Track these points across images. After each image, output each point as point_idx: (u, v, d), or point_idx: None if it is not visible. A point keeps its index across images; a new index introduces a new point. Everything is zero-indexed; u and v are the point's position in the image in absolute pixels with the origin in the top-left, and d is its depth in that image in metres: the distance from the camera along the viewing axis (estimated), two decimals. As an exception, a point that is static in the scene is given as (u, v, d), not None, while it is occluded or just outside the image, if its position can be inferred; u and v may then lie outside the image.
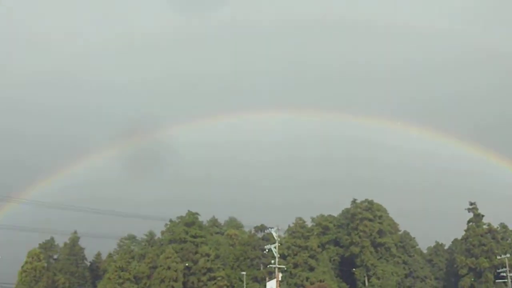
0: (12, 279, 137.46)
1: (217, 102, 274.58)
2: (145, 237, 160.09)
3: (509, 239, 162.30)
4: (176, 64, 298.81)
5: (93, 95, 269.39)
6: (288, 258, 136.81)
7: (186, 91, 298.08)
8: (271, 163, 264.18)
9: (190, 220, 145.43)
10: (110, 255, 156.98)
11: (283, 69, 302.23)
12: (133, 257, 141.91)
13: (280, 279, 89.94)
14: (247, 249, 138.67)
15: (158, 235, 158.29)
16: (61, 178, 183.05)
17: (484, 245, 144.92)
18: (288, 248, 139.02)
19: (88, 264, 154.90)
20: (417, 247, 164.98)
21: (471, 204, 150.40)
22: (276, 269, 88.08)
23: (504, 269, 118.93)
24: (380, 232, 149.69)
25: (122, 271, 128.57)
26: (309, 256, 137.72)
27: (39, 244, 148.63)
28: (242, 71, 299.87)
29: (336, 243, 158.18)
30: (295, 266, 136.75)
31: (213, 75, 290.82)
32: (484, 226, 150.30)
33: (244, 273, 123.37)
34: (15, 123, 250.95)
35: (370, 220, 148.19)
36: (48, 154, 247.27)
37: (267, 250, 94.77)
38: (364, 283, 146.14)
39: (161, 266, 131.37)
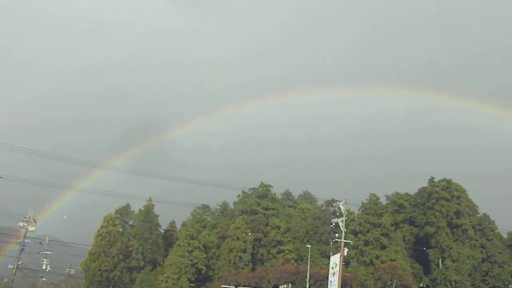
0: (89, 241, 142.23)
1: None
2: (218, 207, 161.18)
3: None
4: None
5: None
6: (360, 235, 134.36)
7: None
8: (351, 139, 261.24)
9: (263, 192, 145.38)
10: (184, 224, 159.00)
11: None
12: (204, 226, 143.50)
13: (345, 254, 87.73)
14: (318, 223, 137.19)
15: (231, 206, 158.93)
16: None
17: None
18: (360, 224, 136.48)
19: (162, 231, 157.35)
20: (496, 231, 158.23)
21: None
22: (342, 243, 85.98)
23: None
24: (457, 213, 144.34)
25: (192, 239, 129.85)
26: (381, 234, 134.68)
27: (116, 209, 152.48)
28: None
29: (411, 222, 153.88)
30: (366, 243, 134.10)
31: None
32: None
33: (309, 246, 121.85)
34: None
35: (447, 200, 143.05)
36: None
37: (333, 224, 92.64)
38: (438, 265, 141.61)
39: (230, 236, 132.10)
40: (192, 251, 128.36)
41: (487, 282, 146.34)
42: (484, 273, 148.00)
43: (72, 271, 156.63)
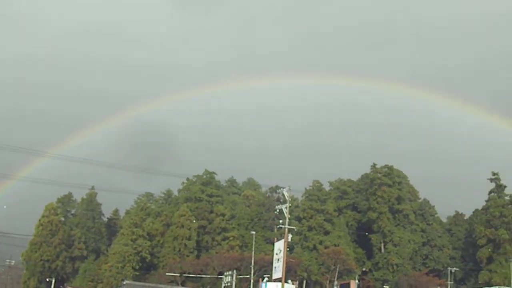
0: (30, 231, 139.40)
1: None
2: (162, 195, 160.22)
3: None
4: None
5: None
6: (303, 221, 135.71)
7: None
8: (293, 130, 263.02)
9: (207, 179, 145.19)
10: (127, 212, 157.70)
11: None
12: (148, 214, 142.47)
13: (289, 240, 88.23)
14: (262, 210, 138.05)
15: (175, 193, 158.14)
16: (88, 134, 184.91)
17: (505, 216, 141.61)
18: (304, 210, 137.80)
19: (106, 220, 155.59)
20: (436, 215, 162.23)
21: (494, 174, 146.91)
22: (286, 229, 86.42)
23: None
24: (399, 199, 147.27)
25: (135, 227, 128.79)
26: (324, 220, 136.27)
27: (57, 198, 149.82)
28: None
29: (354, 208, 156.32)
30: (310, 229, 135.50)
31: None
32: (506, 197, 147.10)
33: (253, 232, 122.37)
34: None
35: (389, 186, 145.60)
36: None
37: (277, 211, 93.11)
38: (380, 249, 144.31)
39: (175, 224, 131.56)
40: (136, 239, 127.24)
41: (427, 265, 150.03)
42: (424, 257, 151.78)
43: (13, 262, 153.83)
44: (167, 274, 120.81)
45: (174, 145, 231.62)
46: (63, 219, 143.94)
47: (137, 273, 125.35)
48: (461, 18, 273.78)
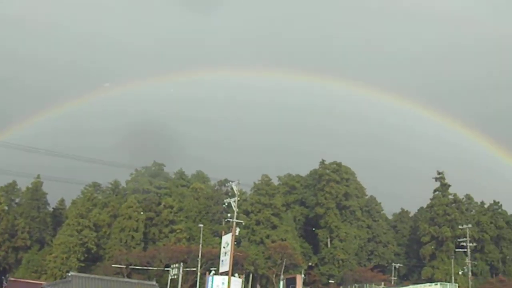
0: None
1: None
2: (110, 185, 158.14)
3: (473, 210, 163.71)
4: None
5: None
6: (251, 215, 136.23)
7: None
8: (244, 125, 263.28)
9: (155, 171, 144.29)
10: (73, 202, 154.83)
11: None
12: (95, 205, 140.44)
13: (237, 233, 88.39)
14: (210, 203, 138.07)
15: (123, 184, 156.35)
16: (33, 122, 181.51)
17: (448, 214, 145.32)
18: (252, 204, 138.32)
19: (51, 210, 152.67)
20: (382, 212, 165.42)
21: (439, 173, 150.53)
22: (234, 223, 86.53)
23: (464, 238, 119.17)
24: (346, 195, 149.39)
25: (82, 218, 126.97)
26: (272, 214, 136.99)
27: (1, 187, 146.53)
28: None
29: (302, 203, 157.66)
30: (258, 223, 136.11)
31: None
32: (450, 196, 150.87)
33: (201, 225, 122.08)
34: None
35: (337, 182, 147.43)
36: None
37: (226, 204, 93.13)
38: (326, 245, 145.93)
39: (122, 215, 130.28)
40: (82, 230, 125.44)
41: (372, 261, 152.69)
42: (369, 252, 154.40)
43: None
44: (113, 265, 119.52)
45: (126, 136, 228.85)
46: (6, 208, 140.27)
47: (82, 265, 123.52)
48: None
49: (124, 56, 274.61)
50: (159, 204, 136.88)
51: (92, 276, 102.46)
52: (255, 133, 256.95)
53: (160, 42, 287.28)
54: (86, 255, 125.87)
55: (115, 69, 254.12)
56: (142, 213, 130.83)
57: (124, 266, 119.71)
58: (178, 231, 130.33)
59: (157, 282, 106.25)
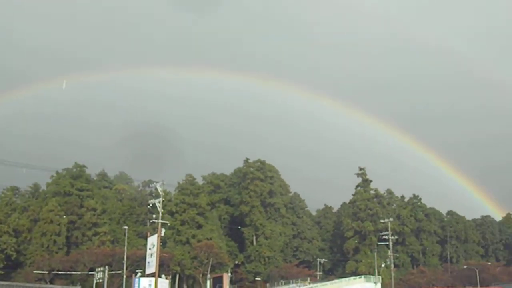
0: None
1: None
2: (29, 189, 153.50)
3: (394, 204, 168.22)
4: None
5: None
6: (176, 215, 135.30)
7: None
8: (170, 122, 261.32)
9: (77, 173, 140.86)
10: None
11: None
12: (14, 209, 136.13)
13: (162, 234, 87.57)
14: (134, 204, 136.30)
15: (43, 187, 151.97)
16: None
17: (370, 209, 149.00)
18: (177, 205, 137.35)
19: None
20: (306, 209, 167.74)
21: (360, 169, 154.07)
22: (159, 224, 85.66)
23: (386, 232, 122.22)
24: (271, 193, 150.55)
25: (0, 223, 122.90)
26: (197, 214, 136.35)
27: None
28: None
29: (227, 202, 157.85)
30: (183, 223, 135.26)
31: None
32: (371, 191, 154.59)
33: (126, 227, 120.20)
34: None
35: (261, 180, 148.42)
36: None
37: (151, 205, 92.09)
38: (252, 242, 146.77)
39: (43, 219, 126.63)
40: (0, 236, 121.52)
41: (297, 257, 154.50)
42: (295, 249, 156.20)
43: None
44: (34, 272, 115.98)
45: (46, 138, 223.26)
46: None
47: (2, 272, 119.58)
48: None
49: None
50: (82, 206, 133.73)
51: (13, 284, 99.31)
52: (180, 133, 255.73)
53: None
54: (5, 262, 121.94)
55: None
56: (64, 216, 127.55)
57: (46, 272, 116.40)
58: (101, 233, 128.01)
59: (81, 287, 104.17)
